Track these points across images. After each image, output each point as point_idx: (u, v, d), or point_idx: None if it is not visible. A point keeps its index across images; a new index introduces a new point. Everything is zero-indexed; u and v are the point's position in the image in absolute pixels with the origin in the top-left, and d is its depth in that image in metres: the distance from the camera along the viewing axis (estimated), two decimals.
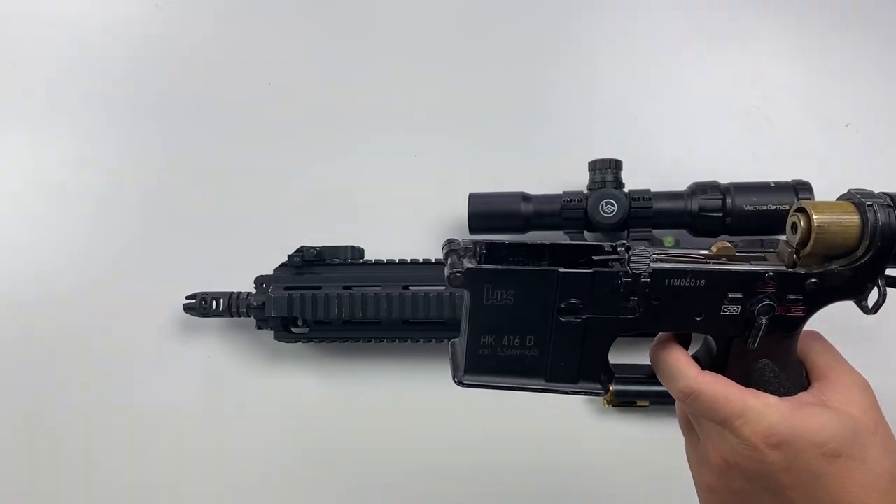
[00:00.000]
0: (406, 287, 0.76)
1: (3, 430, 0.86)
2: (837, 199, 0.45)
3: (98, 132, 0.88)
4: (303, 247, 0.78)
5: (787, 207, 0.71)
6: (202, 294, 0.79)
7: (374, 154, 0.85)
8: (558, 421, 0.80)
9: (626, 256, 0.45)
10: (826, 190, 0.72)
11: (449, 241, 0.46)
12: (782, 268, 0.45)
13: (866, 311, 0.45)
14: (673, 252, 0.46)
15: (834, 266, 0.44)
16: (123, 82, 0.88)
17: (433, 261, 0.78)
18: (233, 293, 0.78)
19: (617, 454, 0.80)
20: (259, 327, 0.79)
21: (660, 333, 0.49)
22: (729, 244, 0.46)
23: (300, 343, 0.80)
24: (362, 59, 0.86)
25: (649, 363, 0.50)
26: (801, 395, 0.45)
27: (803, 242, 0.43)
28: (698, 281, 0.45)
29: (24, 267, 0.87)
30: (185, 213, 0.86)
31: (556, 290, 0.45)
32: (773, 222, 0.72)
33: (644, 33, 0.85)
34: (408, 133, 0.85)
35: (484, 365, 0.47)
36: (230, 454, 0.84)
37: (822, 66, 0.83)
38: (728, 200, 0.72)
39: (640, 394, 0.77)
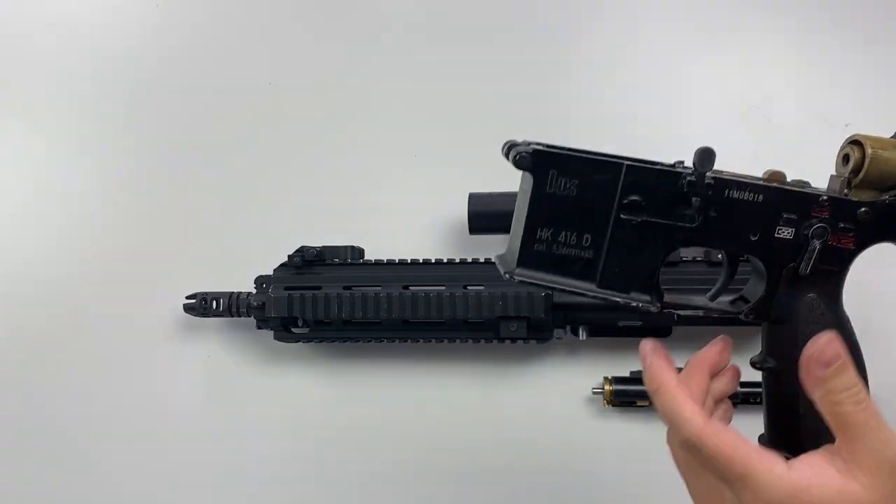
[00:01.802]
0: (406, 287, 0.76)
1: (3, 430, 0.86)
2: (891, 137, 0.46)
3: (97, 132, 0.88)
4: (303, 247, 0.78)
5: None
6: (202, 294, 0.79)
7: (374, 154, 0.85)
8: (558, 421, 0.80)
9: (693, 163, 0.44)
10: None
11: (508, 141, 0.46)
12: (835, 194, 0.46)
13: None
14: (729, 172, 0.46)
15: (885, 197, 0.45)
16: (123, 82, 0.88)
17: (433, 261, 0.78)
18: (233, 293, 0.78)
19: (617, 454, 0.80)
20: (259, 327, 0.79)
21: (652, 357, 0.47)
22: (781, 171, 0.47)
23: (300, 343, 0.80)
24: (362, 60, 0.86)
25: (699, 297, 0.50)
26: (820, 459, 0.40)
27: (856, 170, 0.44)
28: (756, 196, 0.45)
29: (23, 267, 0.87)
30: (185, 212, 0.86)
31: (620, 185, 0.44)
32: None
33: (644, 33, 0.85)
34: (408, 133, 0.85)
35: (537, 260, 0.45)
36: (230, 454, 0.84)
37: (822, 66, 0.83)
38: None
39: (640, 394, 0.77)
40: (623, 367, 0.79)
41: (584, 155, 0.44)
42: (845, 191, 0.45)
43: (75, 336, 0.86)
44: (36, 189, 0.88)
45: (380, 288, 0.76)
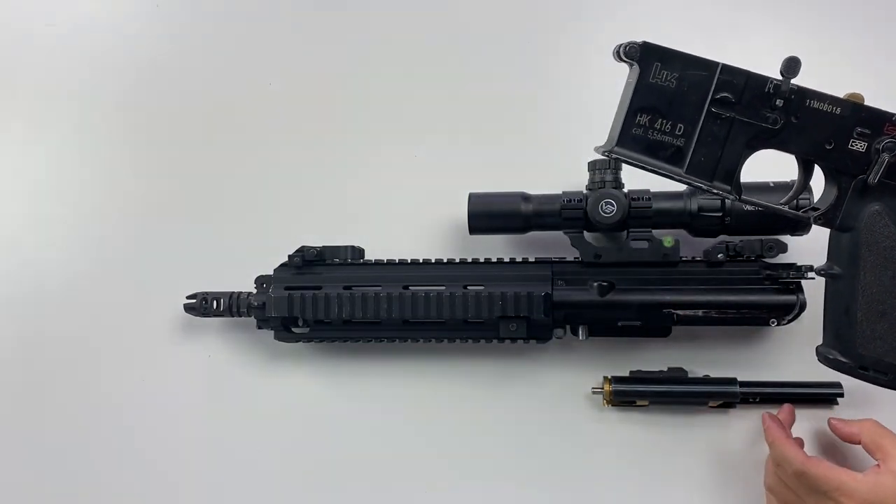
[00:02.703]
0: (406, 287, 0.76)
1: (3, 430, 0.86)
2: None
3: (97, 132, 0.88)
4: (303, 247, 0.78)
5: (787, 207, 0.71)
6: (203, 294, 0.79)
7: (374, 154, 0.85)
8: (558, 421, 0.80)
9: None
10: None
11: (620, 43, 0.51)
12: None
13: None
14: (811, 89, 0.50)
15: None
16: (123, 82, 0.88)
17: (433, 261, 0.78)
18: (233, 293, 0.78)
19: (617, 454, 0.80)
20: (259, 327, 0.79)
21: (769, 422, 0.69)
22: (860, 93, 0.51)
23: (300, 343, 0.81)
24: (362, 60, 0.87)
25: (774, 201, 0.55)
26: (881, 470, 0.61)
27: None
28: (835, 108, 0.50)
29: (24, 267, 0.87)
30: (186, 213, 0.86)
31: (715, 82, 0.50)
32: (772, 222, 0.72)
33: (644, 33, 0.84)
34: (408, 133, 0.85)
35: (634, 142, 0.51)
36: (230, 454, 0.84)
37: (821, 66, 0.82)
38: (727, 200, 0.72)
39: (639, 393, 0.77)
40: (623, 367, 0.79)
41: (686, 52, 0.50)
42: None
43: (75, 336, 0.86)
44: (36, 190, 0.88)
45: (380, 288, 0.76)
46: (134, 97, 0.88)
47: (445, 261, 0.78)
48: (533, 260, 0.77)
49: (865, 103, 0.51)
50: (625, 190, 0.75)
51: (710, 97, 0.50)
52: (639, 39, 0.51)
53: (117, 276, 0.86)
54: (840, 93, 0.81)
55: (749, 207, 0.59)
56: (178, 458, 0.84)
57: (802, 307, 0.70)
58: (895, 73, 0.82)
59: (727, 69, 0.50)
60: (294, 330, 0.79)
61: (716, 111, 0.50)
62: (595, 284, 0.74)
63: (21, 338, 0.86)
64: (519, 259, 0.78)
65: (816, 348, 0.55)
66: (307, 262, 0.78)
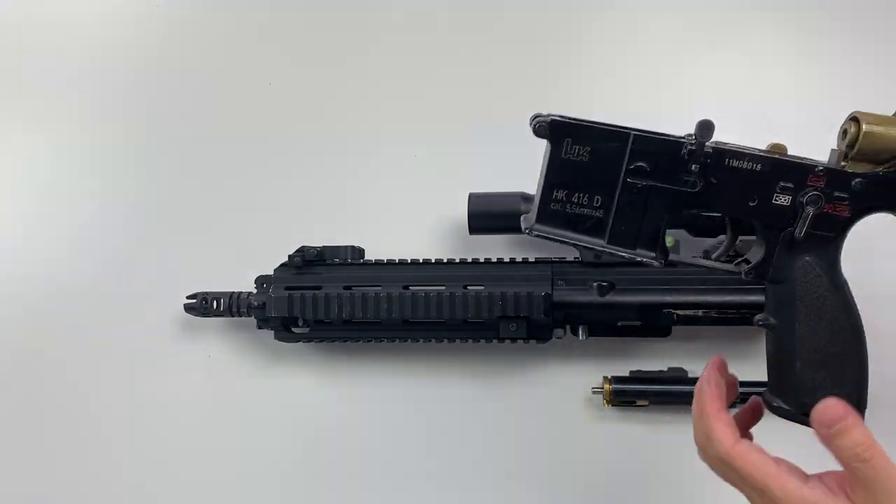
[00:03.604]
0: (406, 287, 0.76)
1: (3, 430, 0.86)
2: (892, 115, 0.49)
3: (97, 132, 0.88)
4: (303, 247, 0.78)
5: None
6: (203, 294, 0.79)
7: (374, 154, 0.85)
8: (558, 421, 0.80)
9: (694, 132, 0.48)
10: None
11: (535, 113, 0.52)
12: (832, 165, 0.49)
13: None
14: (731, 144, 0.50)
15: (880, 170, 0.48)
16: (123, 82, 0.88)
17: (433, 261, 0.78)
18: (233, 293, 0.78)
19: (617, 454, 0.80)
20: (260, 327, 0.79)
21: (705, 386, 0.52)
22: (783, 143, 0.51)
23: (300, 343, 0.81)
24: (362, 60, 0.87)
25: (704, 259, 0.55)
26: (834, 483, 0.46)
27: (851, 145, 0.48)
28: (755, 165, 0.49)
29: (24, 267, 0.87)
30: (186, 212, 0.86)
31: (628, 152, 0.49)
32: None
33: (644, 33, 0.85)
34: (408, 133, 0.85)
35: (553, 218, 0.51)
36: (230, 454, 0.84)
37: (822, 67, 0.83)
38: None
39: (639, 393, 0.77)
40: (623, 367, 0.79)
41: (596, 125, 0.50)
42: (842, 163, 0.49)
43: (76, 336, 0.86)
44: (36, 190, 0.88)
45: (380, 288, 0.76)
46: (133, 97, 0.88)
47: (445, 261, 0.78)
48: (533, 260, 0.77)
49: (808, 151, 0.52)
50: None
51: (624, 168, 0.49)
52: (551, 114, 0.51)
53: (117, 276, 0.86)
54: (840, 93, 0.82)
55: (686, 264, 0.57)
56: (178, 458, 0.84)
57: None
58: (894, 71, 0.82)
59: (640, 138, 0.49)
60: (294, 330, 0.79)
61: (631, 181, 0.49)
62: (595, 284, 0.74)
63: (21, 338, 0.87)
64: (519, 259, 0.78)
65: (762, 394, 0.54)
66: (307, 262, 0.78)
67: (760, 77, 0.83)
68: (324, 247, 0.79)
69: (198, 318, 0.81)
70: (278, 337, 0.79)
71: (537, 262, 0.77)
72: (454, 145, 0.84)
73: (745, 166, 0.49)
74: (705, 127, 0.48)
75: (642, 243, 0.51)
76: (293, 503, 0.83)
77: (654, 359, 0.79)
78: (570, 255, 0.76)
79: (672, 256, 0.52)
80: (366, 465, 0.82)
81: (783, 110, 0.83)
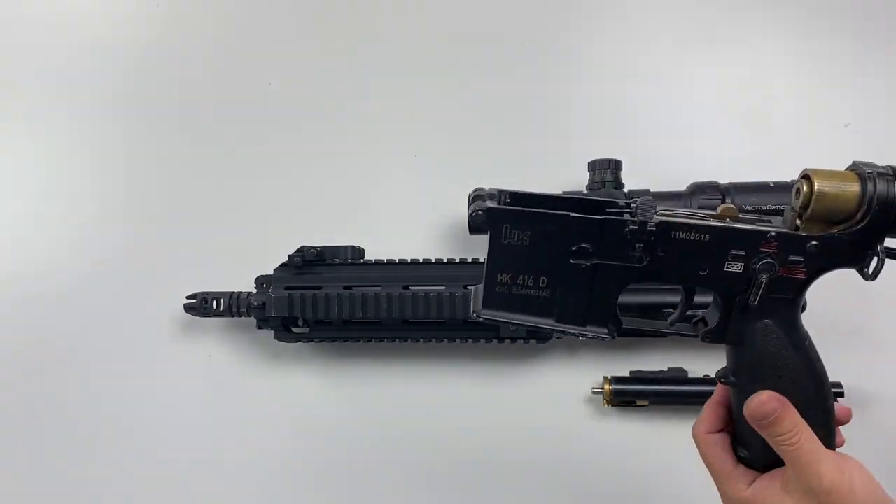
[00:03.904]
0: (406, 287, 0.76)
1: (3, 430, 0.86)
2: (844, 170, 0.47)
3: (98, 132, 0.88)
4: (303, 247, 0.78)
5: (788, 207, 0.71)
6: (203, 294, 0.79)
7: (375, 154, 0.85)
8: (558, 420, 0.80)
9: (635, 207, 0.47)
10: None
11: (476, 189, 0.49)
12: (784, 229, 0.47)
13: (867, 277, 0.47)
14: (679, 211, 0.48)
15: (834, 231, 0.46)
16: (123, 82, 0.88)
17: (433, 261, 0.78)
18: (233, 293, 0.78)
19: (617, 453, 0.80)
20: (259, 327, 0.79)
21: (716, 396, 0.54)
22: (733, 206, 0.48)
23: (300, 343, 0.80)
24: (362, 60, 0.87)
25: (660, 321, 0.53)
26: (774, 479, 0.50)
27: (805, 206, 0.46)
28: (703, 236, 0.47)
29: (24, 266, 0.87)
30: (186, 213, 0.86)
31: (569, 235, 0.47)
32: None
33: (644, 33, 0.85)
34: (408, 133, 0.85)
35: (500, 301, 0.49)
36: (230, 454, 0.84)
37: (821, 66, 0.83)
38: (728, 200, 0.72)
39: (639, 393, 0.77)
40: (623, 367, 0.79)
41: (533, 210, 0.48)
42: (797, 222, 0.46)
43: (76, 336, 0.86)
44: (36, 190, 0.88)
45: (380, 288, 0.76)
46: (134, 97, 0.88)
47: (445, 261, 0.78)
48: None
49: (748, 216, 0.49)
50: (625, 190, 0.75)
51: (566, 250, 0.47)
52: (489, 203, 0.48)
53: (117, 276, 0.86)
54: (840, 93, 0.82)
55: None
56: (178, 457, 0.84)
57: (803, 307, 0.69)
58: (894, 71, 0.82)
59: (579, 221, 0.47)
60: (294, 330, 0.79)
61: (576, 262, 0.47)
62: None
63: (21, 338, 0.86)
64: None
65: (731, 444, 0.54)
66: (307, 262, 0.78)
67: (760, 77, 0.83)
68: (324, 247, 0.79)
69: (198, 318, 0.80)
70: (278, 337, 0.79)
71: None
72: (454, 145, 0.84)
73: (692, 237, 0.47)
74: (647, 206, 0.46)
75: (593, 318, 0.49)
76: (293, 502, 0.83)
77: (654, 359, 0.79)
78: None
79: (626, 324, 0.51)
80: (365, 464, 0.82)
81: (783, 110, 0.83)
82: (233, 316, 0.79)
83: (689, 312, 0.53)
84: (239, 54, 0.88)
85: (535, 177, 0.79)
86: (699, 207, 0.73)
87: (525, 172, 0.81)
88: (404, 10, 0.87)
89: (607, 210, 0.48)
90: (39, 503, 0.85)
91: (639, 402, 0.77)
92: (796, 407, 0.48)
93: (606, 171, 0.74)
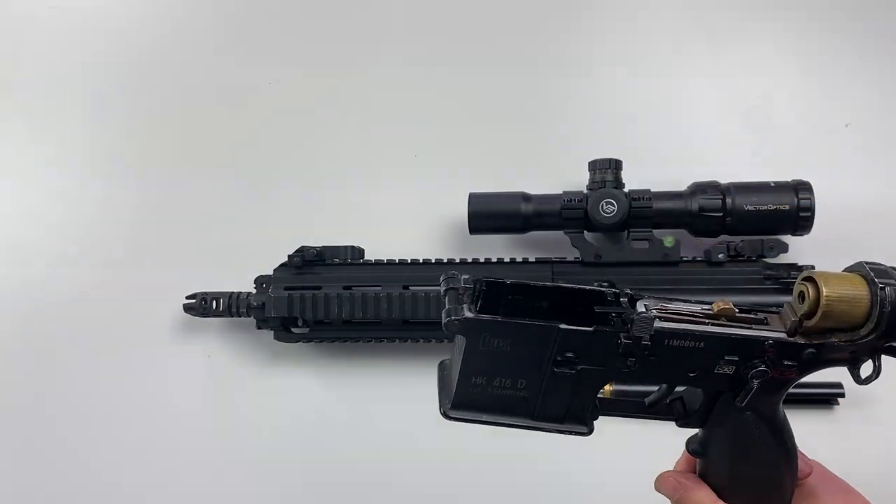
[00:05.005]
0: (406, 287, 0.76)
1: (3, 430, 0.86)
2: (847, 270, 0.44)
3: (98, 132, 0.88)
4: (303, 247, 0.78)
5: (787, 208, 0.71)
6: (202, 294, 0.79)
7: (375, 154, 0.85)
8: None
9: (630, 317, 0.44)
10: (826, 190, 0.72)
11: (448, 278, 0.46)
12: (783, 335, 0.45)
13: (858, 381, 0.45)
14: (673, 308, 0.46)
15: (834, 339, 0.44)
16: (123, 82, 0.88)
17: (433, 261, 0.78)
18: (233, 293, 0.78)
19: (616, 454, 0.80)
20: (259, 327, 0.79)
21: (678, 474, 0.54)
22: (730, 305, 0.45)
23: (300, 343, 0.80)
24: (363, 60, 0.87)
25: (637, 401, 0.52)
26: None
27: (809, 315, 0.43)
28: (698, 343, 0.45)
29: (24, 267, 0.87)
30: (186, 213, 0.86)
31: (554, 344, 0.44)
32: (773, 222, 0.72)
33: (644, 33, 0.85)
34: (408, 133, 0.85)
35: (472, 401, 0.47)
36: (230, 454, 0.84)
37: (821, 67, 0.83)
38: (728, 200, 0.72)
39: (639, 393, 0.76)
40: None
41: (516, 321, 0.44)
42: (797, 327, 0.44)
43: (75, 336, 0.86)
44: (36, 190, 0.88)
45: (380, 288, 0.76)
46: (133, 97, 0.88)
47: (445, 261, 0.78)
48: (533, 260, 0.77)
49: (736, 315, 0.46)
50: (625, 190, 0.75)
51: (550, 359, 0.44)
52: (466, 312, 0.43)
53: (117, 276, 0.86)
54: (840, 93, 0.82)
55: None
56: (177, 458, 0.84)
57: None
58: (894, 72, 0.82)
59: (568, 333, 0.44)
60: (294, 330, 0.79)
61: (559, 371, 0.45)
62: (595, 284, 0.73)
63: (21, 338, 0.86)
64: (519, 259, 0.77)
65: None
66: (307, 262, 0.78)
67: (760, 77, 0.83)
68: (324, 247, 0.78)
69: (197, 318, 0.80)
70: (278, 337, 0.79)
71: (537, 262, 0.77)
72: (454, 145, 0.84)
73: (686, 345, 0.44)
74: (645, 322, 0.43)
75: (572, 416, 0.48)
76: (292, 502, 0.83)
77: None
78: (570, 255, 0.76)
79: (602, 408, 0.49)
80: (365, 465, 0.82)
81: (783, 110, 0.83)
82: (232, 316, 0.79)
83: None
84: (239, 54, 0.88)
85: (535, 177, 0.79)
86: (699, 207, 0.73)
87: (525, 172, 0.81)
88: (404, 10, 0.87)
89: (596, 309, 0.46)
90: (39, 502, 0.85)
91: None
92: (757, 484, 0.49)
93: (606, 171, 0.74)
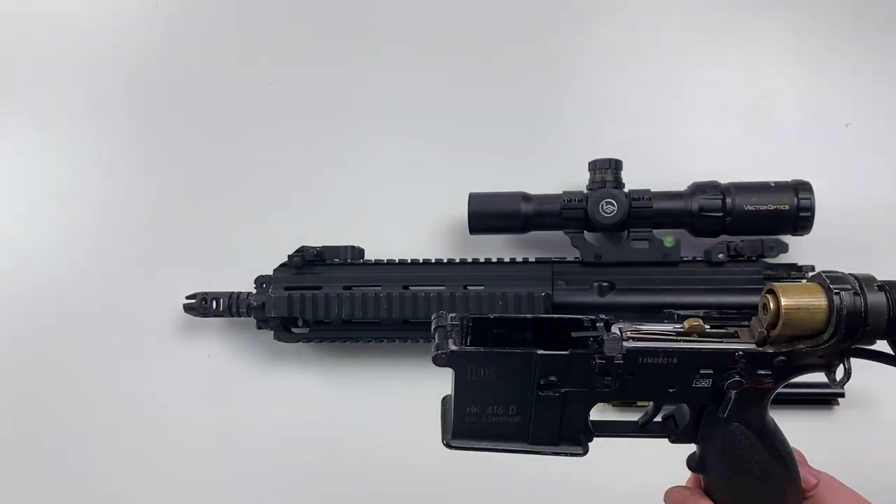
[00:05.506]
0: (406, 287, 0.76)
1: (4, 430, 0.86)
2: (808, 281, 0.47)
3: (98, 132, 0.88)
4: (303, 247, 0.78)
5: (787, 208, 0.71)
6: (202, 294, 0.79)
7: (375, 154, 0.85)
8: None
9: (603, 337, 0.48)
10: (826, 190, 0.72)
11: (437, 317, 0.50)
12: (752, 346, 0.48)
13: (834, 384, 0.48)
14: (646, 328, 0.49)
15: (801, 346, 0.47)
16: (123, 82, 0.88)
17: (433, 261, 0.78)
18: (233, 293, 0.78)
19: (616, 454, 0.80)
20: (259, 327, 0.79)
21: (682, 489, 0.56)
22: (700, 321, 0.49)
23: (300, 343, 0.80)
24: (363, 60, 0.86)
25: (630, 420, 0.55)
26: None
27: (773, 324, 0.46)
28: (670, 359, 0.48)
29: (24, 267, 0.87)
30: (186, 213, 0.86)
31: (535, 369, 0.48)
32: (772, 222, 0.72)
33: (644, 33, 0.85)
34: (408, 133, 0.85)
35: (470, 430, 0.50)
36: (230, 454, 0.84)
37: (821, 66, 0.83)
38: (728, 200, 0.72)
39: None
40: None
41: (496, 350, 0.48)
42: (764, 337, 0.47)
43: (75, 335, 0.86)
44: (36, 190, 0.88)
45: (380, 288, 0.76)
46: (133, 97, 0.88)
47: (445, 261, 0.78)
48: (533, 260, 0.77)
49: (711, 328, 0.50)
50: (625, 190, 0.75)
51: (534, 383, 0.48)
52: (451, 345, 0.48)
53: (117, 276, 0.86)
54: (840, 93, 0.82)
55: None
56: (177, 457, 0.84)
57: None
58: (894, 71, 0.82)
59: (545, 357, 0.48)
60: (294, 330, 0.79)
61: (544, 394, 0.49)
62: (595, 284, 0.74)
63: (21, 337, 0.86)
64: (519, 259, 0.77)
65: None
66: (307, 262, 0.78)
67: (760, 77, 0.83)
68: (324, 247, 0.78)
69: (197, 318, 0.80)
70: (278, 337, 0.79)
71: (537, 262, 0.77)
72: (454, 145, 0.84)
73: (660, 361, 0.48)
74: (613, 343, 0.47)
75: (566, 437, 0.51)
76: (292, 502, 0.83)
77: None
78: (571, 255, 0.76)
79: (596, 436, 0.53)
80: (365, 465, 0.82)
81: (783, 110, 0.83)
82: (232, 316, 0.79)
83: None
84: (239, 54, 0.88)
85: (535, 177, 0.79)
86: (699, 207, 0.73)
87: (525, 172, 0.81)
88: (405, 10, 0.87)
89: (573, 334, 0.49)
90: (39, 502, 0.85)
91: (639, 403, 0.77)
92: (757, 495, 0.51)
93: (606, 171, 0.74)
